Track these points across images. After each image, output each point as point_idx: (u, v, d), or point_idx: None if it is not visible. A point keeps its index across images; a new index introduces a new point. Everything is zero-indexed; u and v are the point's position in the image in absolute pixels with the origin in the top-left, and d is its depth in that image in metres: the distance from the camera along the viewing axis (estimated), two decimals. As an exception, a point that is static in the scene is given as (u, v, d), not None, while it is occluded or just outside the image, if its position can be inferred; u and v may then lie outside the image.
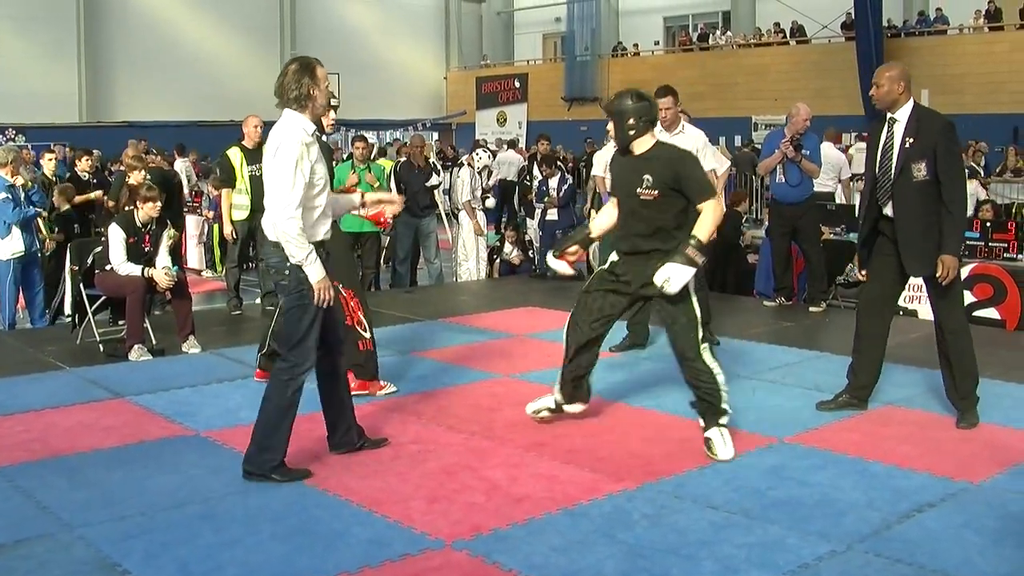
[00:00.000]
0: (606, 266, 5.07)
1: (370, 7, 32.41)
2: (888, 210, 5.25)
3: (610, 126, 4.95)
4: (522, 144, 26.28)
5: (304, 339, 4.41)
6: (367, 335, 5.77)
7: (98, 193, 9.86)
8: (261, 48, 28.62)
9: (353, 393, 5.75)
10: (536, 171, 11.79)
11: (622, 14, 32.43)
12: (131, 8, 27.58)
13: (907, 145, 5.13)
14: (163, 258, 7.25)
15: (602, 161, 7.67)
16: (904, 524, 3.94)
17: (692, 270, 4.64)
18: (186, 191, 13.25)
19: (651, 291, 4.78)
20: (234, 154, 8.57)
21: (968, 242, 8.51)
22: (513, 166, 17.69)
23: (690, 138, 7.14)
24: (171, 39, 27.86)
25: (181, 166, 15.46)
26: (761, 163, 9.02)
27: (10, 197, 8.17)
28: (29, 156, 13.47)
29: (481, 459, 4.74)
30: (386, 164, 10.07)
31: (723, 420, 4.77)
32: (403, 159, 11.28)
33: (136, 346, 6.90)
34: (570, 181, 11.69)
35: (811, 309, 8.66)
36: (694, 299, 4.78)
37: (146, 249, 7.19)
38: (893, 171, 5.18)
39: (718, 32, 29.19)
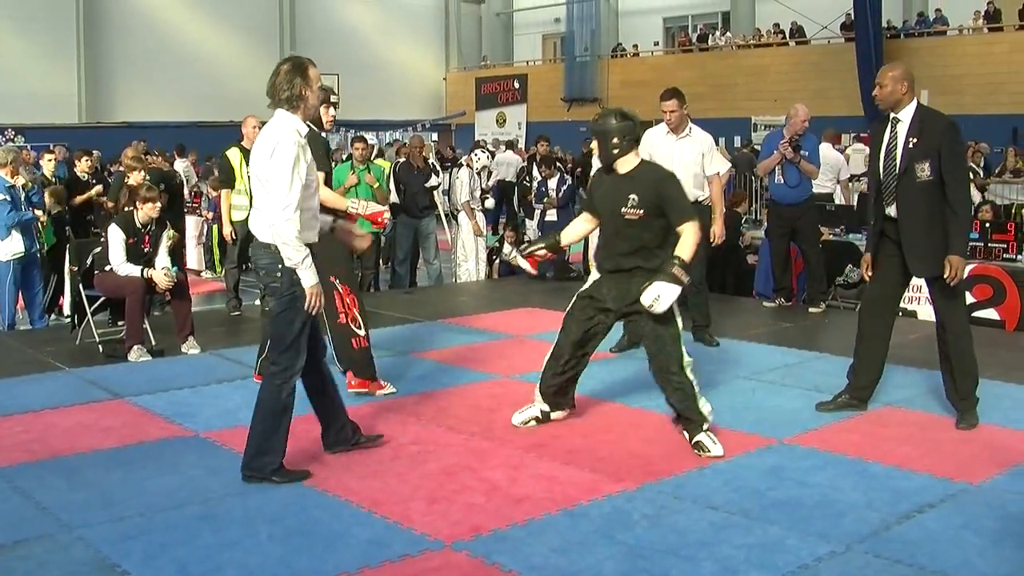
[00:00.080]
0: (586, 288, 5.14)
1: (370, 7, 32.42)
2: (892, 211, 5.25)
3: (594, 144, 4.99)
4: (521, 145, 26.29)
5: (296, 341, 4.39)
6: (361, 332, 5.75)
7: (98, 188, 9.86)
8: (261, 48, 28.61)
9: (354, 391, 5.78)
10: (535, 172, 11.79)
11: (622, 15, 32.44)
12: (131, 9, 27.61)
13: (911, 145, 5.13)
14: (162, 259, 7.25)
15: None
16: (904, 525, 3.94)
17: (679, 289, 4.71)
18: (186, 192, 13.24)
19: (637, 308, 4.83)
20: (233, 155, 8.57)
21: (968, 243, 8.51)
22: (511, 167, 17.70)
23: (697, 140, 7.16)
24: (171, 40, 27.88)
25: (180, 167, 15.45)
26: (760, 164, 9.03)
27: (9, 199, 8.16)
28: (29, 157, 13.45)
29: (481, 460, 4.74)
30: (384, 165, 10.07)
31: (705, 425, 4.82)
32: (402, 160, 11.27)
33: (135, 347, 6.90)
34: (569, 182, 11.69)
35: (810, 310, 8.66)
36: (678, 317, 4.86)
37: (145, 250, 7.19)
38: (897, 171, 5.18)
39: (718, 33, 29.20)
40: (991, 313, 8.45)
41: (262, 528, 3.91)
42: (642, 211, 4.82)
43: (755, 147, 18.48)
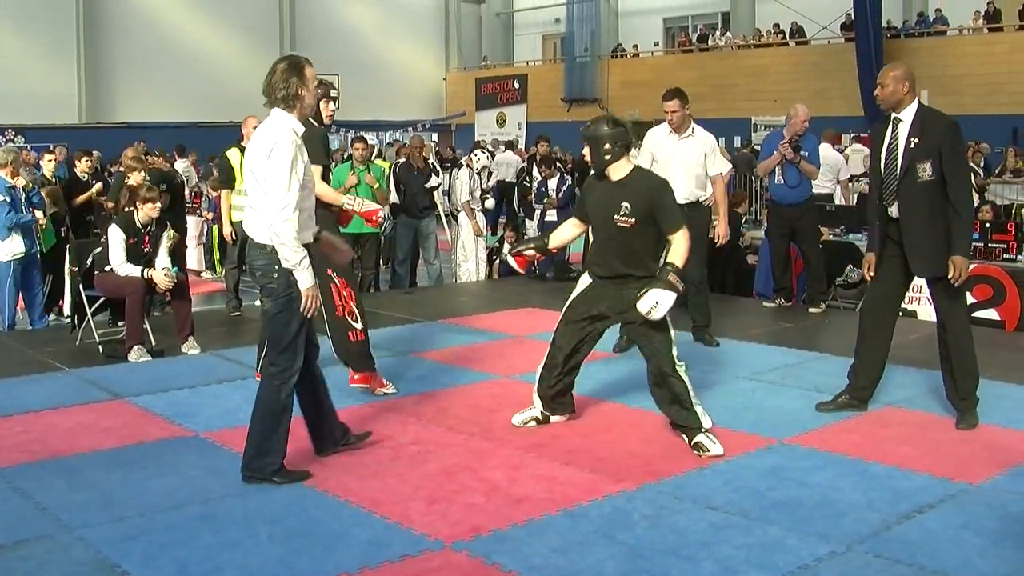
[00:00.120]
0: (577, 295, 5.15)
1: (370, 7, 32.42)
2: (893, 211, 5.25)
3: (585, 151, 5.00)
4: (521, 145, 26.29)
5: (293, 342, 4.38)
6: (358, 326, 5.74)
7: (98, 187, 9.86)
8: (261, 49, 28.60)
9: (355, 387, 5.78)
10: (535, 172, 11.79)
11: (622, 15, 32.44)
12: (131, 9, 27.61)
13: (912, 145, 5.13)
14: (163, 259, 7.25)
15: None
16: (904, 525, 3.94)
17: (674, 296, 4.73)
18: (187, 192, 13.23)
19: (633, 316, 4.85)
20: (233, 155, 8.56)
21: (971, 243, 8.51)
22: (511, 167, 17.70)
23: (699, 140, 7.16)
24: (171, 40, 27.89)
25: (180, 167, 15.45)
26: (760, 164, 9.02)
27: (9, 199, 8.16)
28: (30, 157, 13.44)
29: (481, 460, 4.74)
30: (384, 165, 10.08)
31: (701, 430, 4.83)
32: (402, 160, 11.27)
33: (135, 347, 6.90)
34: (569, 182, 11.68)
35: (810, 310, 8.66)
36: (669, 322, 4.88)
37: (146, 250, 7.19)
38: (898, 172, 5.18)
39: (717, 33, 29.20)
40: (991, 313, 8.44)
41: (262, 528, 3.91)
42: (634, 219, 4.84)
43: (755, 147, 18.49)
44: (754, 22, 28.13)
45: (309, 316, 4.38)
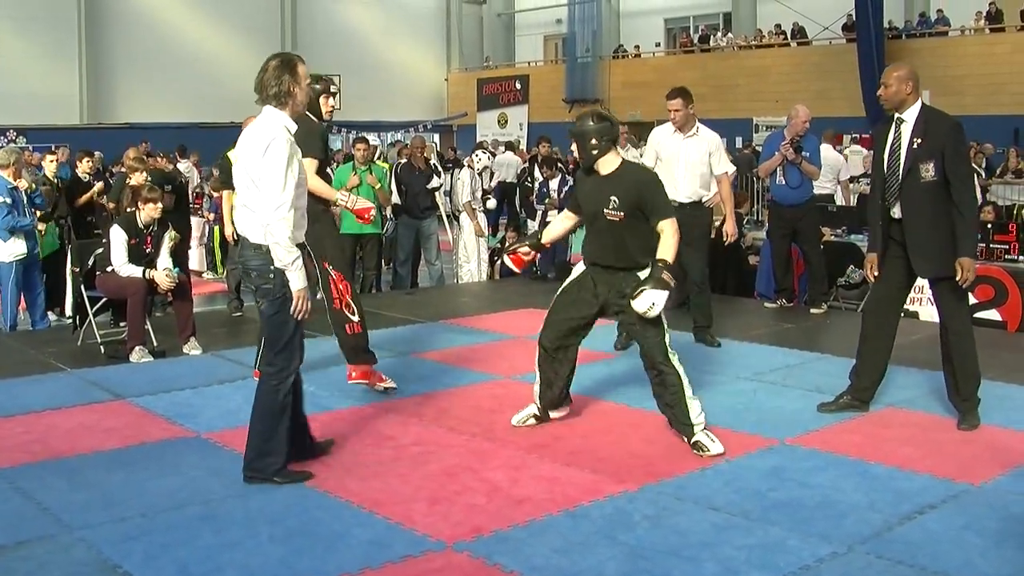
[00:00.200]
0: (575, 276, 5.17)
1: (371, 8, 32.42)
2: (896, 211, 5.24)
3: (573, 147, 5.01)
4: (523, 146, 26.28)
5: (290, 342, 4.37)
6: (355, 318, 5.73)
7: (99, 186, 9.85)
8: (262, 49, 28.30)
9: (355, 384, 5.77)
10: (537, 173, 11.79)
11: (623, 16, 32.44)
12: (132, 9, 27.62)
13: (915, 146, 5.12)
14: (164, 259, 7.25)
15: None
16: (905, 526, 3.94)
17: (667, 293, 4.75)
18: (189, 193, 13.24)
19: (629, 313, 4.85)
20: (234, 156, 8.54)
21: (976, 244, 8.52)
22: (511, 168, 17.69)
23: (704, 140, 7.16)
24: (172, 40, 27.89)
25: (183, 168, 15.47)
26: (761, 165, 9.02)
27: (10, 201, 8.15)
28: (33, 158, 13.43)
29: (482, 461, 4.74)
30: (384, 167, 10.08)
31: (700, 426, 4.82)
32: (404, 161, 11.27)
33: (137, 348, 6.90)
34: (571, 182, 11.67)
35: (812, 311, 8.65)
36: (663, 315, 4.88)
37: (147, 251, 7.19)
38: (901, 172, 5.17)
39: (719, 33, 29.19)
40: (993, 314, 8.44)
41: (263, 529, 3.91)
42: (622, 213, 4.85)
43: (756, 148, 18.49)
44: (755, 23, 28.11)
45: (299, 318, 4.35)
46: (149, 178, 8.35)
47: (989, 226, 9.04)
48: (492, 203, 13.15)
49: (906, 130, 5.18)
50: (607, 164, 4.95)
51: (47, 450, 4.91)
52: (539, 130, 23.25)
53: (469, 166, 12.13)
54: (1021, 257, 8.66)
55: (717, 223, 8.04)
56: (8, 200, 8.14)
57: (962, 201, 5.08)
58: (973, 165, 14.42)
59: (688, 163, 7.09)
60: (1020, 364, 6.65)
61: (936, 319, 5.55)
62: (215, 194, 12.27)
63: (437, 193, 10.92)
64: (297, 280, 4.28)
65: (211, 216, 13.27)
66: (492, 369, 6.60)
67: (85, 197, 9.85)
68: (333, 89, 5.91)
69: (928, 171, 5.08)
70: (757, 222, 14.66)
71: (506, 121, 31.99)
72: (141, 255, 7.13)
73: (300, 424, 4.68)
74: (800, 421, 5.35)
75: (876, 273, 5.40)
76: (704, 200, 7.27)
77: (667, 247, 4.83)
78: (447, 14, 34.81)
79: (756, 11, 28.21)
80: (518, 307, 9.09)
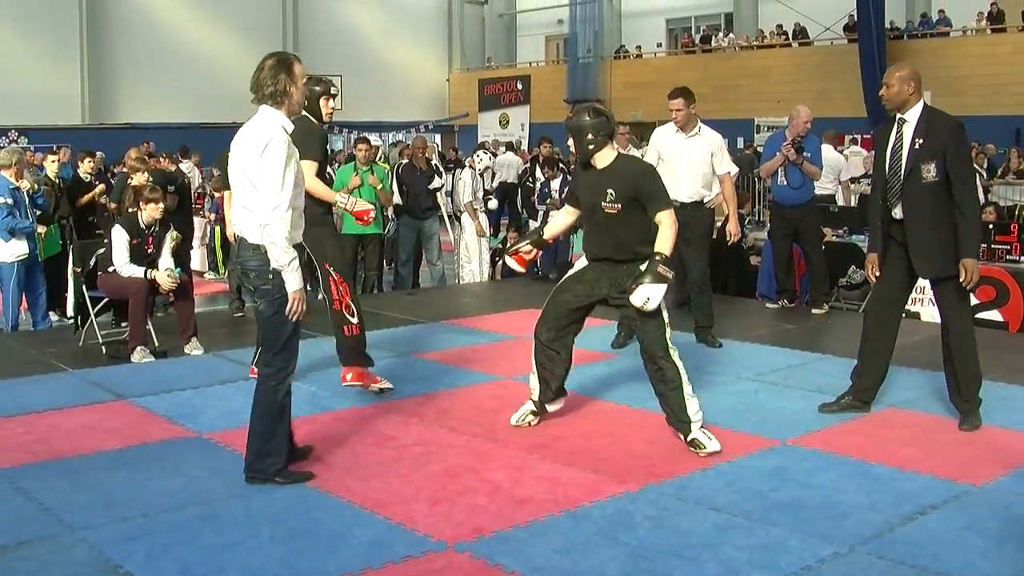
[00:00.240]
0: (575, 271, 5.18)
1: (372, 8, 32.42)
2: (897, 212, 5.24)
3: (570, 142, 5.03)
4: (524, 147, 26.28)
5: (288, 342, 4.37)
6: (354, 320, 5.73)
7: (101, 187, 9.85)
8: (263, 49, 27.84)
9: (349, 385, 5.77)
10: (538, 173, 11.79)
11: (624, 16, 32.43)
12: (133, 9, 27.62)
13: (916, 146, 5.12)
14: (166, 260, 7.25)
15: None
16: (907, 526, 3.94)
17: (664, 286, 4.75)
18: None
19: (629, 307, 4.85)
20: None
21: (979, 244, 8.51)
22: (512, 168, 17.69)
23: (706, 140, 7.17)
24: (173, 40, 27.90)
25: (184, 168, 15.46)
26: (763, 166, 9.02)
27: (11, 201, 8.15)
28: (35, 159, 13.44)
29: (483, 461, 4.74)
30: (385, 167, 10.08)
31: (697, 424, 4.81)
32: (405, 161, 11.28)
33: (138, 348, 6.90)
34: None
35: (813, 311, 8.65)
36: (663, 309, 4.88)
37: (149, 251, 7.20)
38: (902, 172, 5.17)
39: (720, 34, 29.18)
40: (994, 315, 8.43)
41: (264, 529, 3.91)
42: (619, 205, 4.87)
43: (758, 148, 18.49)
44: (757, 23, 28.11)
45: (293, 320, 4.34)
46: (151, 178, 8.35)
47: (991, 227, 9.04)
48: (493, 203, 13.14)
49: (908, 130, 5.18)
50: (603, 158, 4.97)
51: (48, 450, 4.91)
52: (540, 130, 23.23)
53: (470, 166, 12.13)
54: (1022, 258, 8.65)
55: (719, 223, 8.04)
56: (9, 200, 8.14)
57: (964, 202, 5.08)
58: (975, 166, 14.48)
59: (690, 163, 7.10)
60: (1021, 365, 6.65)
61: (937, 320, 5.55)
62: (216, 194, 12.28)
63: (438, 193, 10.92)
64: (293, 281, 4.26)
65: (212, 216, 13.28)
66: (493, 369, 6.60)
67: (87, 197, 9.85)
68: (333, 91, 5.91)
69: (930, 172, 5.08)
70: (758, 222, 14.66)
71: (507, 121, 31.98)
72: (143, 255, 7.14)
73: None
74: (801, 421, 5.35)
75: (877, 273, 5.40)
76: (706, 200, 7.28)
77: (665, 239, 4.83)
78: (448, 14, 34.80)
79: (757, 11, 28.20)
80: (519, 307, 9.09)
